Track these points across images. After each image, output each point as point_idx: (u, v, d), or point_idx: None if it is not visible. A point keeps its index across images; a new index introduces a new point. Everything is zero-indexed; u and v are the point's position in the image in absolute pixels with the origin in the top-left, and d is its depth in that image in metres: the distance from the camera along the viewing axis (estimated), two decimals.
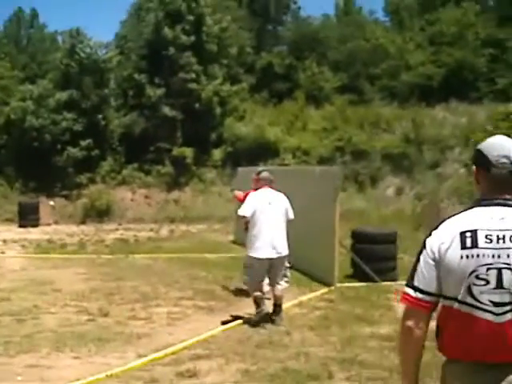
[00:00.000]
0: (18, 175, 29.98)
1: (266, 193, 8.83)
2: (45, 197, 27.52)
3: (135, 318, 9.00)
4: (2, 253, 16.77)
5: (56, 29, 47.11)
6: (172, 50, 31.49)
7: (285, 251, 8.68)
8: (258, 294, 8.67)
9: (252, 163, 24.71)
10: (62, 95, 30.99)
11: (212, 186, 29.22)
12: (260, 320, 8.53)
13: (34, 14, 51.41)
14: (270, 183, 8.94)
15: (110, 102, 32.39)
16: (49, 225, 25.21)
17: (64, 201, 28.45)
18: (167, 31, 31.68)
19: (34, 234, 21.80)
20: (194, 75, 31.41)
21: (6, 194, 29.13)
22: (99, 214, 26.89)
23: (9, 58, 38.72)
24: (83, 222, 26.20)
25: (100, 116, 31.11)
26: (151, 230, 22.98)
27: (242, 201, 9.65)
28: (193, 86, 31.23)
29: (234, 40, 36.82)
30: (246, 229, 8.90)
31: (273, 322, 8.57)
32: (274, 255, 8.54)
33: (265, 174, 9.01)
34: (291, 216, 8.89)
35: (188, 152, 29.98)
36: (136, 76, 32.26)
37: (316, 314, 9.28)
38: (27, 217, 24.74)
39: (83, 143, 29.73)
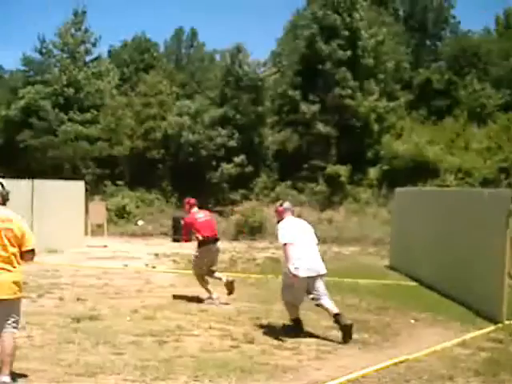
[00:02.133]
0: (174, 190, 30.49)
1: (294, 220, 9.66)
2: None
3: (282, 348, 8.34)
4: (153, 267, 16.78)
5: (214, 47, 47.99)
6: (327, 66, 31.01)
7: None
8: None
9: (410, 183, 23.57)
10: (217, 111, 31.29)
11: (367, 206, 28.25)
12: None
13: (194, 33, 52.82)
14: (292, 212, 9.77)
15: (266, 118, 32.33)
16: None
17: (217, 217, 28.48)
18: (322, 46, 31.32)
19: (186, 248, 21.80)
20: (349, 91, 30.79)
21: (162, 207, 29.71)
22: (252, 231, 26.62)
23: (168, 75, 39.75)
24: (236, 239, 26.02)
25: (255, 133, 31.11)
26: None
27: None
28: (349, 102, 30.61)
29: (391, 55, 35.87)
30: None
31: None
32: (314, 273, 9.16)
33: (287, 205, 9.79)
34: (316, 240, 9.61)
35: (343, 170, 29.31)
36: (290, 92, 32.10)
37: (482, 356, 8.16)
38: (181, 231, 24.88)
39: (237, 159, 29.79)
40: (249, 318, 10.05)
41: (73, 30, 37.64)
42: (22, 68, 40.69)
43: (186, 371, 7.12)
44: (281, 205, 9.78)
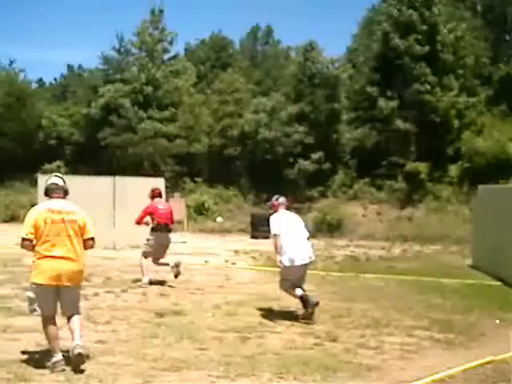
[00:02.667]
0: (251, 186, 30.66)
1: (286, 213, 10.52)
2: None
3: (365, 347, 8.22)
4: (233, 263, 16.91)
5: (289, 44, 47.97)
6: (405, 61, 30.60)
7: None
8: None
9: (492, 181, 22.99)
10: (293, 108, 31.29)
11: (448, 204, 27.70)
12: None
13: (269, 31, 52.84)
14: (286, 206, 10.63)
15: (342, 115, 32.17)
16: None
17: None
18: (398, 42, 30.92)
19: (264, 245, 21.84)
20: (428, 86, 30.32)
21: (240, 204, 29.89)
22: (330, 228, 26.46)
23: (243, 72, 39.98)
24: (314, 237, 25.86)
25: (331, 129, 31.00)
26: (383, 248, 22.09)
27: (139, 220, 13.15)
28: (427, 97, 30.14)
29: (470, 50, 35.08)
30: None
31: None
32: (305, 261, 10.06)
33: (282, 200, 10.65)
34: (307, 233, 10.56)
35: (422, 167, 28.86)
36: (368, 89, 31.77)
37: None
38: (259, 228, 25.02)
39: (314, 156, 29.75)
40: (330, 317, 9.97)
41: (150, 29, 38.26)
42: (101, 67, 41.61)
43: (270, 368, 7.09)
44: (276, 199, 10.70)
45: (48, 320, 6.92)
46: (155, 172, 29.87)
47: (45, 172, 29.83)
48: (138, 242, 19.52)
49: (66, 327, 7.20)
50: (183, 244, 21.78)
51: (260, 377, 6.81)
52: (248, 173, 31.72)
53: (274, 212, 10.55)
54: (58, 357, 6.77)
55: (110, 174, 21.14)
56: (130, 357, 7.38)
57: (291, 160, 30.50)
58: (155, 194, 13.50)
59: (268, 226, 24.99)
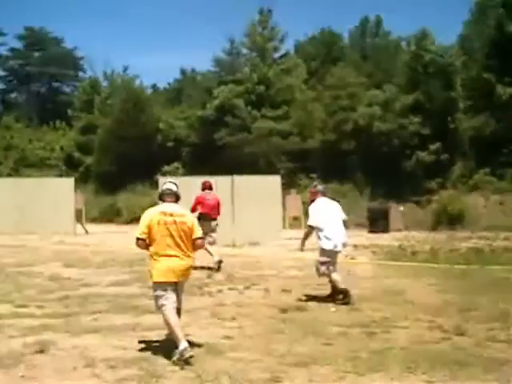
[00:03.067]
0: (367, 180, 30.35)
1: (324, 201, 10.85)
2: (394, 202, 27.32)
3: (495, 340, 7.97)
4: (352, 258, 16.80)
5: (399, 34, 46.83)
6: None
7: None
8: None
9: None
10: (408, 99, 30.78)
11: None
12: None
13: (379, 22, 52.06)
14: (324, 194, 10.96)
15: (458, 104, 31.34)
16: (399, 231, 24.94)
17: (414, 206, 27.99)
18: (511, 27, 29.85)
19: (384, 239, 21.65)
20: None
21: (356, 199, 29.65)
22: (451, 220, 25.82)
23: (354, 65, 39.63)
24: (434, 229, 25.41)
25: (448, 119, 30.26)
26: (507, 239, 21.28)
27: (192, 209, 13.72)
28: None
29: None
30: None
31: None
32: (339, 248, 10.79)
33: (320, 188, 11.02)
34: (344, 216, 10.98)
35: None
36: (485, 76, 30.80)
37: None
38: (377, 222, 24.78)
39: (432, 147, 29.17)
40: (457, 310, 9.74)
41: (260, 29, 38.58)
42: (214, 69, 42.35)
43: (398, 363, 6.98)
44: (314, 187, 11.18)
45: (172, 312, 7.29)
46: (270, 169, 30.10)
47: (164, 174, 30.70)
48: (257, 238, 19.94)
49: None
50: None
51: (389, 372, 6.72)
52: (363, 167, 31.40)
53: (312, 200, 10.93)
54: (184, 344, 6.99)
55: (228, 174, 21.47)
56: (257, 352, 7.47)
57: (408, 152, 29.99)
58: (206, 186, 15.05)
59: (385, 219, 24.88)
